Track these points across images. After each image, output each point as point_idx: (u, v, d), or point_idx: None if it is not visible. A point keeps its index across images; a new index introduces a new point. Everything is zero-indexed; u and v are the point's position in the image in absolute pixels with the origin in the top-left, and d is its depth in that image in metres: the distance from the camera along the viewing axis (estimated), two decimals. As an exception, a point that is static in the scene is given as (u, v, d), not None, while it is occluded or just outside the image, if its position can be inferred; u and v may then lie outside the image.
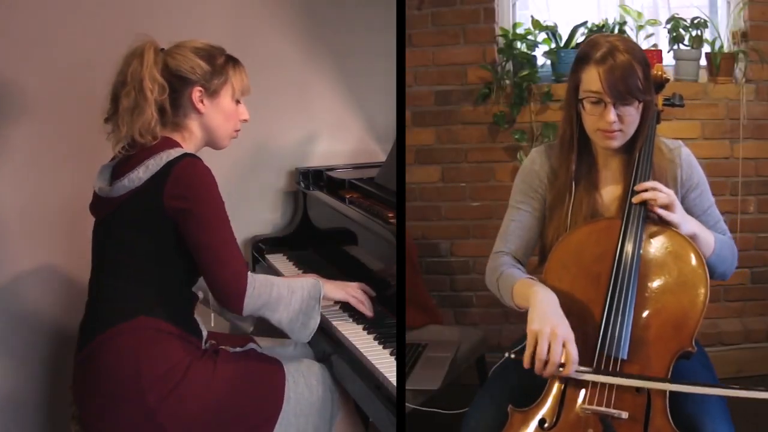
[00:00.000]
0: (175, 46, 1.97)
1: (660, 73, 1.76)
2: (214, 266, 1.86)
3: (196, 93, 1.94)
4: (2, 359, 2.48)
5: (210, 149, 2.06)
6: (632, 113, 1.66)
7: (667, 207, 1.63)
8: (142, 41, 1.92)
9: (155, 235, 1.86)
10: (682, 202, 1.75)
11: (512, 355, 1.58)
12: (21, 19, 2.40)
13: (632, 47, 1.67)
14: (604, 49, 1.65)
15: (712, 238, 1.70)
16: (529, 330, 1.52)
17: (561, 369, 1.50)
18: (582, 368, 1.52)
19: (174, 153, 1.87)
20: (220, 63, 1.98)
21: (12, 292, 2.47)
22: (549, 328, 1.50)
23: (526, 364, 1.52)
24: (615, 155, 1.76)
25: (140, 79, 1.87)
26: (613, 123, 1.65)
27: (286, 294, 1.95)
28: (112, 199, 1.89)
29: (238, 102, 2.03)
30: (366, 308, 2.10)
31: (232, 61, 2.01)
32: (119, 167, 1.92)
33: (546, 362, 1.50)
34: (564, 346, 1.50)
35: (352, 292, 2.11)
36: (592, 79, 1.65)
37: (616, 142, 1.70)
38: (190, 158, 1.87)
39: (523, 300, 1.63)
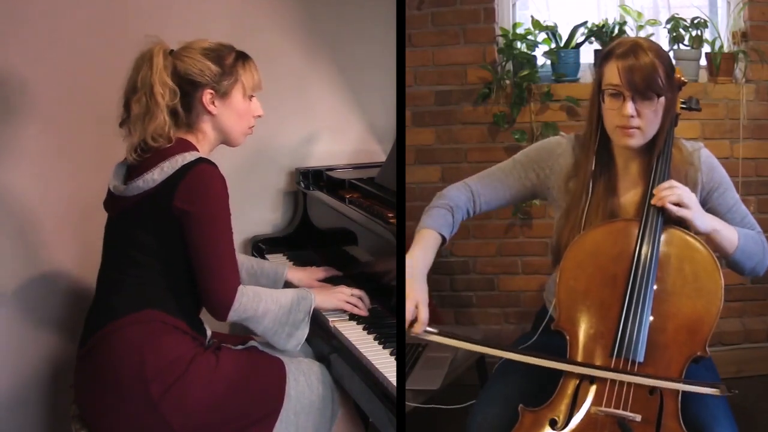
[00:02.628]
0: (183, 48, 1.96)
1: (678, 76, 1.75)
2: (206, 275, 1.87)
3: (207, 95, 1.95)
4: (4, 358, 2.49)
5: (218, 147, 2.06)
6: (651, 110, 1.65)
7: (681, 204, 1.62)
8: (151, 44, 1.91)
9: (165, 236, 1.87)
10: (706, 203, 1.75)
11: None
12: (31, 19, 2.40)
13: (656, 47, 1.69)
14: (627, 46, 1.67)
15: (736, 234, 1.69)
16: None
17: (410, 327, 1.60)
18: (430, 329, 1.61)
19: (189, 157, 1.88)
20: (229, 63, 1.97)
21: (15, 291, 2.47)
22: (408, 290, 1.61)
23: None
24: (635, 159, 1.75)
25: (150, 84, 1.87)
26: (630, 117, 1.64)
27: (274, 308, 1.95)
28: (126, 198, 1.90)
29: (250, 98, 2.03)
30: (361, 311, 2.11)
31: (242, 59, 2.00)
32: (134, 167, 1.92)
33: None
34: (416, 307, 1.60)
35: (344, 298, 2.11)
36: (612, 72, 1.66)
37: (634, 140, 1.68)
38: (205, 164, 1.88)
39: (411, 249, 1.73)
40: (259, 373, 1.95)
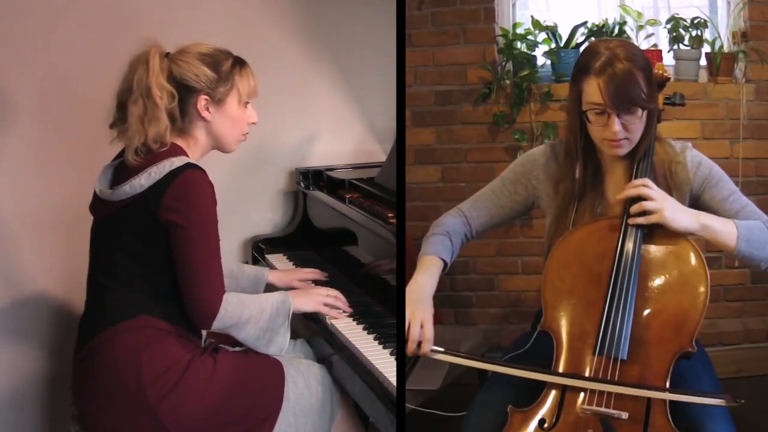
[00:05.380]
0: (179, 52, 1.93)
1: (661, 72, 1.75)
2: (192, 284, 1.85)
3: (202, 101, 1.92)
4: (2, 359, 2.48)
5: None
6: (637, 121, 1.65)
7: (648, 211, 1.61)
8: (147, 46, 1.89)
9: (152, 241, 1.85)
10: (700, 198, 1.74)
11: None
12: (16, 22, 2.38)
13: (633, 53, 1.64)
14: (604, 58, 1.62)
15: (733, 225, 1.65)
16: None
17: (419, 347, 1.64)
18: (436, 348, 1.65)
19: (177, 162, 1.85)
20: (226, 69, 1.94)
21: (11, 293, 2.47)
22: (410, 310, 1.65)
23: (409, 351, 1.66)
24: (620, 160, 1.75)
25: (147, 86, 1.84)
26: (618, 133, 1.64)
27: (256, 314, 1.93)
28: (113, 203, 1.88)
29: (246, 104, 2.00)
30: (338, 313, 2.11)
31: (239, 65, 1.97)
32: (122, 170, 1.90)
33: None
34: (422, 326, 1.64)
35: (320, 300, 2.10)
36: (593, 90, 1.63)
37: (623, 150, 1.68)
38: (192, 171, 1.85)
39: (414, 276, 1.75)
40: (257, 376, 1.94)
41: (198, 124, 1.95)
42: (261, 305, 1.96)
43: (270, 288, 2.27)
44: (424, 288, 1.70)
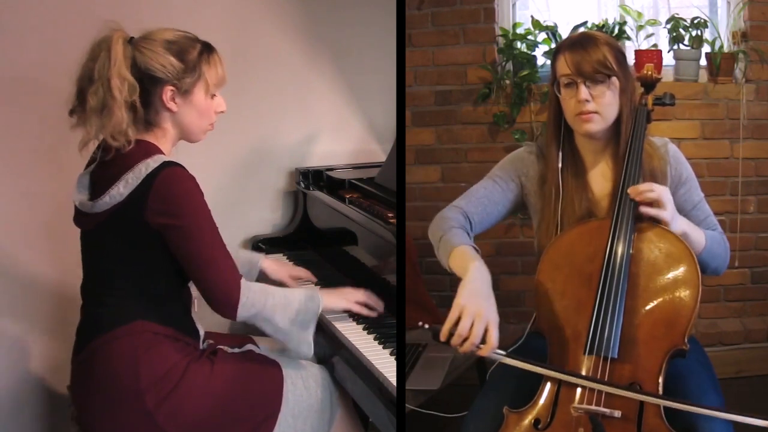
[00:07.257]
0: (143, 38, 1.83)
1: (649, 72, 1.77)
2: (206, 278, 1.82)
3: (168, 92, 1.83)
4: (2, 359, 2.48)
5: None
6: (606, 93, 1.69)
7: (658, 204, 1.62)
8: (110, 31, 1.80)
9: (142, 247, 1.82)
10: (672, 197, 1.76)
11: (426, 326, 1.55)
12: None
13: (605, 36, 1.76)
14: (575, 38, 1.75)
15: (703, 235, 1.72)
16: (455, 303, 1.50)
17: (478, 348, 1.48)
18: (499, 351, 1.50)
19: (152, 163, 1.78)
20: (193, 58, 1.84)
21: (7, 292, 2.47)
22: (475, 307, 1.49)
23: (443, 336, 1.49)
24: (602, 152, 1.77)
25: (108, 77, 1.75)
26: (586, 102, 1.68)
27: (282, 303, 1.89)
28: (96, 215, 1.83)
29: (213, 96, 1.91)
30: (370, 312, 2.06)
31: (207, 53, 1.87)
32: (97, 178, 1.85)
33: (466, 339, 1.47)
34: (487, 328, 1.48)
35: (352, 298, 2.06)
36: (562, 64, 1.72)
37: (594, 125, 1.70)
38: (170, 168, 1.78)
39: (459, 269, 1.62)
40: (255, 378, 1.92)
41: (164, 115, 1.86)
42: (287, 295, 1.92)
43: (261, 278, 2.24)
44: (487, 279, 1.57)
